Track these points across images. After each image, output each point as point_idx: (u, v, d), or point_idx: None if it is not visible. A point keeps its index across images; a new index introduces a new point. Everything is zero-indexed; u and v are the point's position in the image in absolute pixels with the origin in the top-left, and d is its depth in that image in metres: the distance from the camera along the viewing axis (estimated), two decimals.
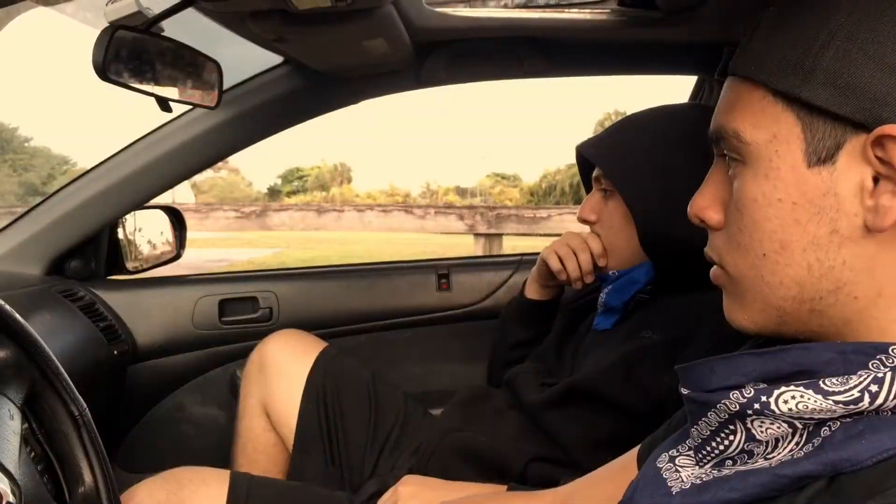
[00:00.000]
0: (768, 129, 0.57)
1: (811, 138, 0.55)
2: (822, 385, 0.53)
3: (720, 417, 0.60)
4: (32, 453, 0.75)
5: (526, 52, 1.51)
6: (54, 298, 1.50)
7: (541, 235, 6.32)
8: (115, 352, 1.57)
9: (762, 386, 0.56)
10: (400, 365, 1.80)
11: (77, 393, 0.78)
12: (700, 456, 0.63)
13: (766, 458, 0.57)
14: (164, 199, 1.77)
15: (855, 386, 0.52)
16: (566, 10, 1.40)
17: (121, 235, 1.73)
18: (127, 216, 1.70)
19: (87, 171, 1.63)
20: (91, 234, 1.64)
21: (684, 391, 0.63)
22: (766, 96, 0.58)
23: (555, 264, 1.32)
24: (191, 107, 1.52)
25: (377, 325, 1.81)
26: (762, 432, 0.57)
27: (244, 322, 1.76)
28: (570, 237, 1.33)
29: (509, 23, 1.41)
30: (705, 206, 0.65)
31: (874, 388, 0.51)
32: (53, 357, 0.76)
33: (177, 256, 1.82)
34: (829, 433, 0.54)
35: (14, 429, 0.68)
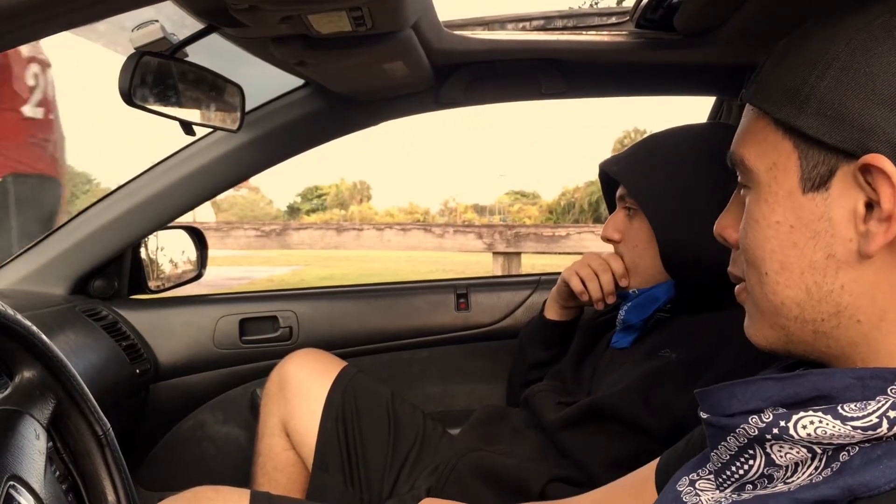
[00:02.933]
0: (769, 157, 0.59)
1: (806, 165, 0.57)
2: (840, 411, 0.53)
3: (739, 442, 0.60)
4: (57, 472, 0.76)
5: (544, 74, 1.52)
6: (78, 318, 1.51)
7: (560, 254, 6.30)
8: (137, 371, 1.59)
9: (781, 411, 0.56)
10: (419, 384, 1.80)
11: (101, 413, 0.79)
12: (720, 480, 0.63)
13: (785, 483, 0.57)
14: (185, 217, 1.79)
15: (874, 412, 0.52)
16: (584, 33, 1.41)
17: (143, 255, 1.75)
18: (149, 236, 1.73)
19: (111, 193, 1.65)
20: (114, 254, 1.66)
21: (703, 415, 0.64)
22: (769, 125, 0.60)
23: (576, 285, 1.33)
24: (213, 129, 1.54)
25: (396, 345, 1.81)
26: (781, 457, 0.57)
27: (264, 341, 1.77)
28: (591, 258, 1.33)
29: (527, 45, 1.42)
30: (726, 225, 0.69)
31: (892, 413, 0.52)
32: (79, 377, 0.77)
33: (198, 276, 1.84)
34: (847, 458, 0.53)
35: (40, 448, 0.69)
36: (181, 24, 1.10)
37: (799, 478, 0.56)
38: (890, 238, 0.53)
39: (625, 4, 1.46)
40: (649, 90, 1.64)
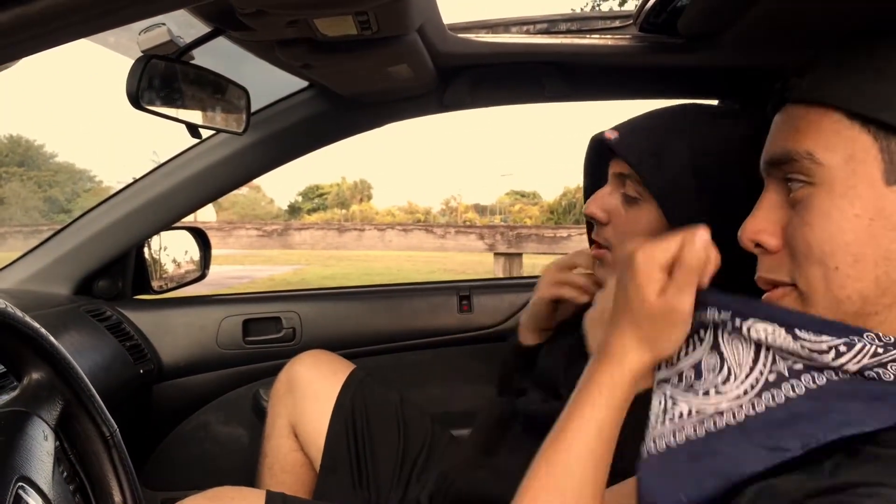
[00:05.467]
0: (843, 150, 0.59)
1: (889, 158, 0.57)
2: (796, 331, 0.58)
3: (694, 328, 0.67)
4: (65, 473, 0.76)
5: (547, 77, 1.52)
6: (82, 318, 1.52)
7: (562, 254, 6.30)
8: (141, 371, 1.59)
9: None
10: (421, 386, 1.81)
11: (108, 414, 0.80)
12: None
13: (717, 391, 0.63)
14: (187, 216, 1.80)
15: (825, 341, 0.56)
16: (588, 36, 1.42)
17: (147, 255, 1.76)
18: (153, 236, 1.73)
19: (115, 193, 1.66)
20: (119, 254, 1.66)
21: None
22: (841, 119, 0.60)
23: (555, 293, 1.25)
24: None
25: (399, 346, 1.82)
26: (727, 349, 0.64)
27: (268, 342, 1.78)
28: (547, 274, 1.27)
29: (531, 48, 1.43)
30: (760, 229, 0.67)
31: (843, 348, 0.56)
32: (86, 379, 0.77)
33: (202, 276, 1.85)
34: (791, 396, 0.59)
35: (48, 449, 0.70)
36: (187, 24, 1.10)
37: (730, 388, 0.62)
38: None
39: (626, 7, 1.46)
40: (652, 93, 1.64)
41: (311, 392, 1.43)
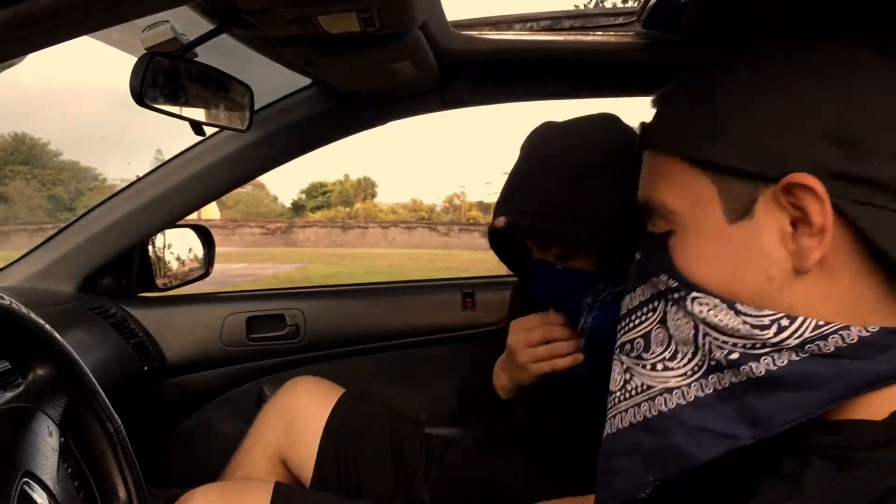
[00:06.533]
0: (689, 196, 0.61)
1: (727, 197, 0.59)
2: (737, 306, 0.58)
3: (645, 296, 0.67)
4: (70, 469, 0.77)
5: (551, 75, 1.52)
6: (87, 315, 1.52)
7: None
8: (146, 368, 1.60)
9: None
10: (425, 383, 1.81)
11: (112, 410, 0.80)
12: (621, 326, 0.70)
13: (665, 367, 0.64)
14: (190, 214, 1.80)
15: (767, 315, 0.57)
16: (590, 33, 1.41)
17: (151, 253, 1.76)
18: (157, 234, 1.73)
19: (120, 191, 1.66)
20: (123, 251, 1.67)
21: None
22: (683, 165, 0.61)
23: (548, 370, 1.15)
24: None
25: (402, 343, 1.82)
26: (673, 324, 0.63)
27: (271, 339, 1.78)
28: (519, 345, 1.17)
29: (534, 45, 1.43)
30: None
31: (786, 322, 0.56)
32: (91, 376, 0.78)
33: (205, 274, 1.85)
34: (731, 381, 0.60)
35: (53, 445, 0.70)
36: (190, 20, 1.10)
37: (678, 368, 0.63)
38: (825, 250, 0.55)
39: (629, 4, 1.45)
40: (655, 90, 1.64)
41: (301, 418, 1.42)
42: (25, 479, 0.63)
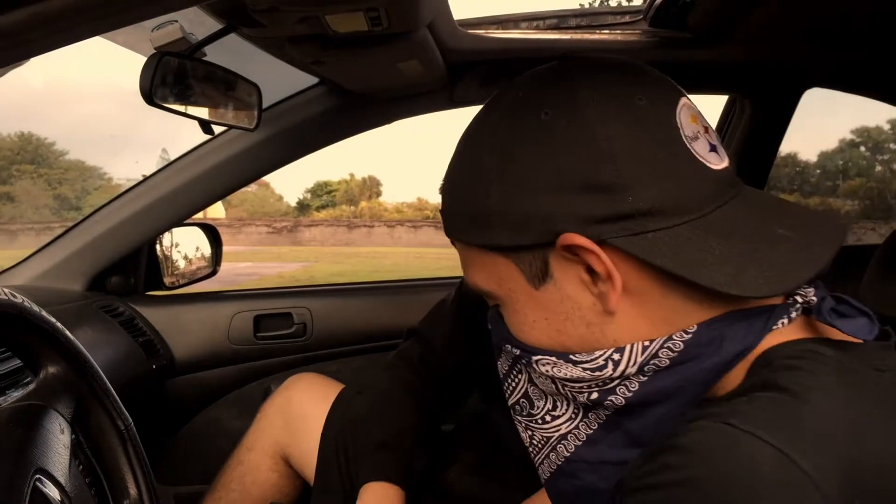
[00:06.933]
0: (494, 276, 0.65)
1: (525, 268, 0.62)
2: (570, 356, 0.62)
3: (508, 360, 0.74)
4: (81, 466, 0.77)
5: None
6: (95, 314, 1.53)
7: None
8: (154, 366, 1.60)
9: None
10: None
11: (123, 408, 0.80)
12: (504, 385, 0.76)
13: (552, 417, 0.69)
14: (197, 213, 1.80)
15: (599, 356, 0.60)
16: (597, 31, 1.42)
17: (159, 252, 1.77)
18: (165, 233, 1.74)
19: (128, 190, 1.67)
20: (131, 250, 1.67)
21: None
22: (479, 251, 0.65)
23: None
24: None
25: None
26: (538, 379, 0.68)
27: (279, 337, 1.78)
28: None
29: (541, 44, 1.43)
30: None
31: (616, 356, 0.59)
32: (101, 373, 0.78)
33: (213, 273, 1.85)
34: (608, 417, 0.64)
35: (65, 442, 0.71)
36: (197, 21, 1.11)
37: (562, 415, 0.68)
38: (619, 292, 0.58)
39: (636, 2, 1.45)
40: None
41: (300, 414, 1.42)
42: (38, 476, 0.63)
